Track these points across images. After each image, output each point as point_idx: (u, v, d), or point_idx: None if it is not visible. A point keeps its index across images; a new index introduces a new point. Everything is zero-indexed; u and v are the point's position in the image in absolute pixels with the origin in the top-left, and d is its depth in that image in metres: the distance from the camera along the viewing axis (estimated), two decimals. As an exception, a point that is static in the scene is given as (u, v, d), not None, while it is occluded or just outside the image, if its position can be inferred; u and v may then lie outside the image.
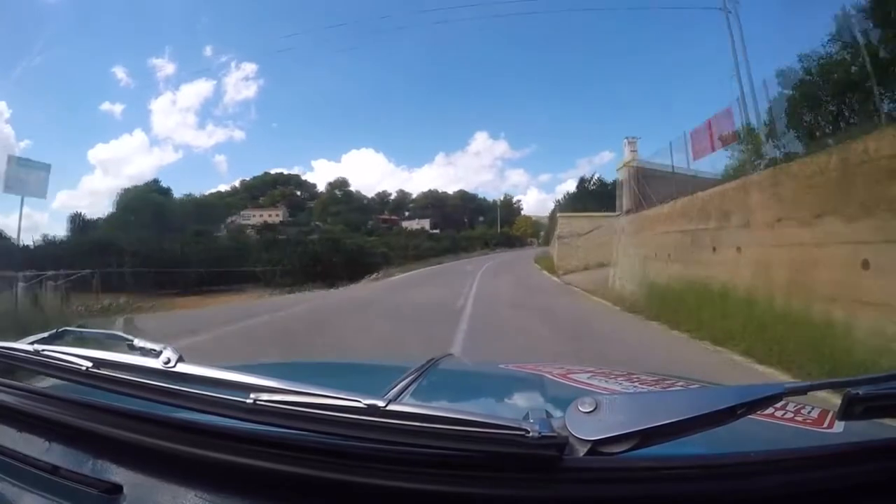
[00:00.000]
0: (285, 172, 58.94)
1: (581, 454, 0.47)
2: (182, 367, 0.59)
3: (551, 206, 49.79)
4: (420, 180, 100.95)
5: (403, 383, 0.82)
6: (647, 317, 7.77)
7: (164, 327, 7.79)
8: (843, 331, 4.25)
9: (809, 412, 0.76)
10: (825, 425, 0.71)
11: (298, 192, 58.20)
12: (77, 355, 0.63)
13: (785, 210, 5.56)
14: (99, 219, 35.77)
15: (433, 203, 60.13)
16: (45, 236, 26.52)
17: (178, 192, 44.29)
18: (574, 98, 79.23)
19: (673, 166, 10.35)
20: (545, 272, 21.61)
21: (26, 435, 0.63)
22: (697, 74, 60.01)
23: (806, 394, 0.54)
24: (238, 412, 0.53)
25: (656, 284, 8.79)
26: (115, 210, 36.47)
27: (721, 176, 8.45)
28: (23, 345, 0.68)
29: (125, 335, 0.71)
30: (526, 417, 0.50)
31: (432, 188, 63.48)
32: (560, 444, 0.47)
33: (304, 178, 59.93)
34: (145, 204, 35.22)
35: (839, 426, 0.67)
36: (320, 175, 74.04)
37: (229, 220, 47.77)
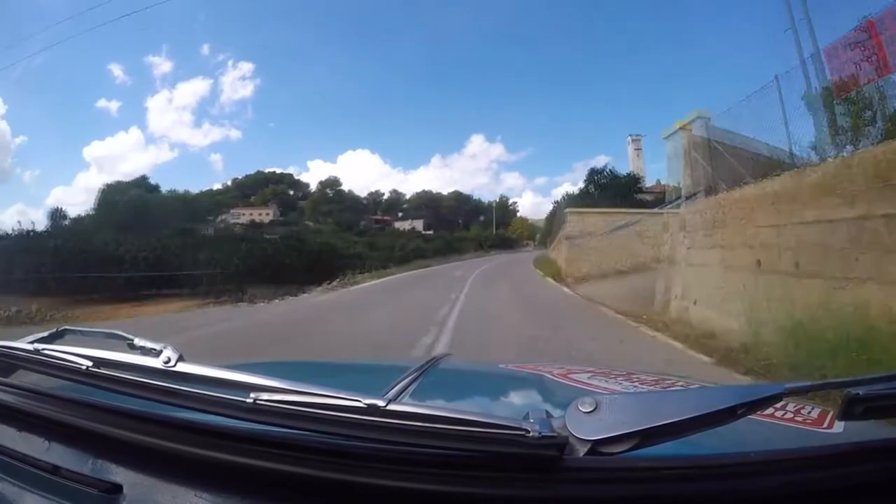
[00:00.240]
0: (278, 171, 58.55)
1: (581, 454, 0.47)
2: (182, 367, 0.59)
3: (547, 209, 49.09)
4: (416, 182, 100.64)
5: (403, 383, 0.82)
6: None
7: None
8: None
9: (809, 412, 0.76)
10: (825, 425, 0.71)
11: (291, 192, 57.84)
12: (77, 354, 0.63)
13: None
14: (88, 214, 34.65)
15: (427, 203, 59.53)
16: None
17: (173, 191, 43.71)
18: (571, 101, 79.88)
19: (785, 114, 5.86)
20: (549, 280, 16.90)
21: (26, 434, 0.63)
22: (697, 74, 60.08)
23: (806, 394, 0.55)
24: (238, 412, 0.53)
25: (777, 318, 4.48)
26: (95, 206, 35.06)
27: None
28: (23, 344, 0.68)
29: (125, 334, 0.71)
30: (526, 417, 0.50)
31: (427, 189, 63.08)
32: (560, 444, 0.47)
33: (298, 177, 59.59)
34: (126, 200, 33.67)
35: (839, 426, 0.67)
36: (316, 175, 73.28)
37: (219, 218, 46.97)
